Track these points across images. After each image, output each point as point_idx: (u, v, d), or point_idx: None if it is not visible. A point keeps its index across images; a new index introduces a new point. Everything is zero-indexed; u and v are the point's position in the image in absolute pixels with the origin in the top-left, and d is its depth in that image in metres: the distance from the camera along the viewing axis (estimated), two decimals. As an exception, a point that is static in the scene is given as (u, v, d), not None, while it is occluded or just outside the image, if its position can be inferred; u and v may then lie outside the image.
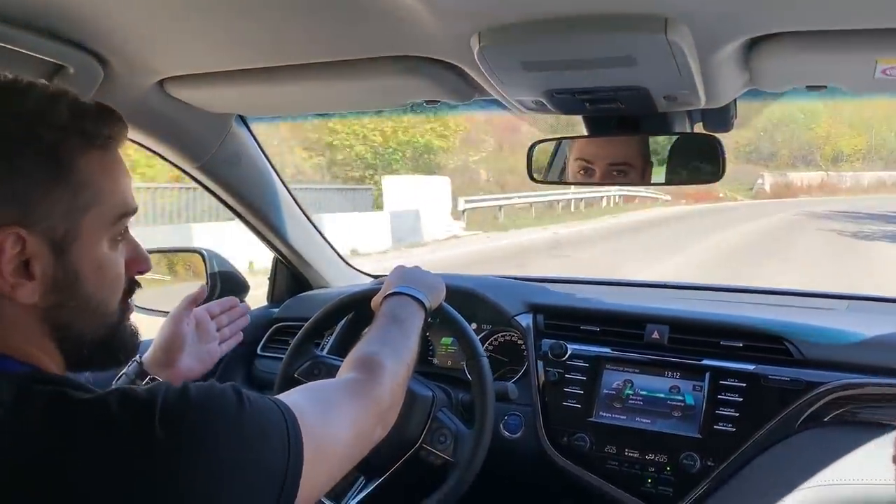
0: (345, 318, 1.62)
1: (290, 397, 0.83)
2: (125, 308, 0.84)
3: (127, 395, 0.68)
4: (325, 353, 1.68)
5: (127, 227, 0.82)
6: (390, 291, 1.26)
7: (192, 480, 0.66)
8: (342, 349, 1.78)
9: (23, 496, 0.63)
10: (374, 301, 1.29)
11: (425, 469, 1.38)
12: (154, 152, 1.51)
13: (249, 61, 1.21)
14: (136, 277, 0.86)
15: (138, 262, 0.85)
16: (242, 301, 2.01)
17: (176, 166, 1.57)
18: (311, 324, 1.55)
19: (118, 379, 1.15)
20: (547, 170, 1.48)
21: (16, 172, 0.70)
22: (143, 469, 0.64)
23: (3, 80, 0.73)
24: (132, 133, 1.39)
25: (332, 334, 1.75)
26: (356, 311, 1.55)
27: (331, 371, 1.47)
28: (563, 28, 0.95)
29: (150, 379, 1.15)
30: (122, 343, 0.83)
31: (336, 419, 0.86)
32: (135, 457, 0.65)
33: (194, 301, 1.24)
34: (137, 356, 1.15)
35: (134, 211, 0.81)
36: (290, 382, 1.50)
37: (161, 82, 1.31)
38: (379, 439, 0.98)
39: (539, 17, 0.94)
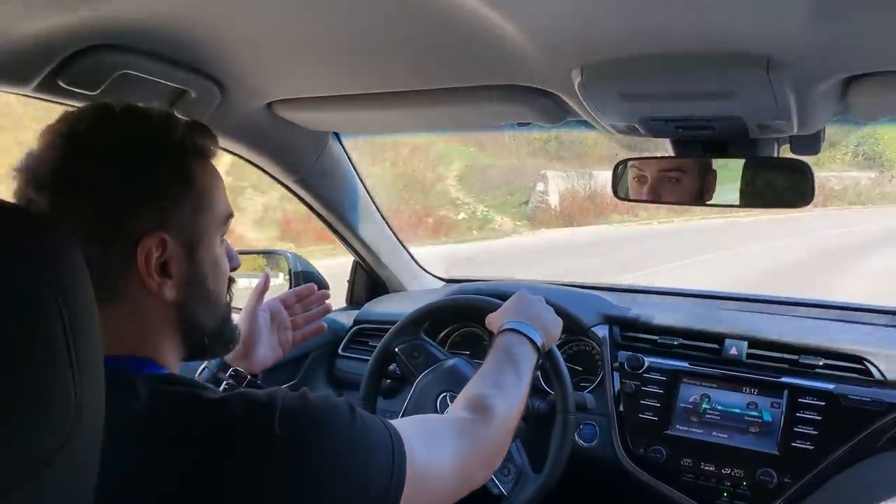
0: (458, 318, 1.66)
1: (400, 423, 0.87)
2: (230, 301, 0.93)
3: (248, 397, 0.75)
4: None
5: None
6: (509, 326, 1.25)
7: (303, 480, 0.72)
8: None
9: (152, 486, 0.69)
10: (490, 321, 1.32)
11: (482, 491, 1.42)
12: (257, 167, 1.60)
13: (354, 88, 1.28)
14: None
15: (232, 259, 0.93)
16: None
17: (276, 179, 1.66)
18: (426, 309, 1.60)
19: (201, 371, 1.21)
20: (622, 186, 1.51)
21: (156, 183, 0.79)
22: (260, 465, 0.70)
23: (126, 106, 0.82)
24: (241, 150, 1.49)
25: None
26: (471, 316, 1.60)
27: (428, 358, 1.55)
28: (664, 64, 0.98)
29: (232, 371, 1.21)
30: (231, 333, 0.92)
31: (441, 453, 0.90)
32: (253, 453, 0.71)
33: (261, 293, 1.27)
34: None
35: (233, 214, 0.90)
36: (389, 356, 1.59)
37: (269, 105, 1.40)
38: (481, 483, 0.99)
39: (641, 52, 0.98)
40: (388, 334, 1.60)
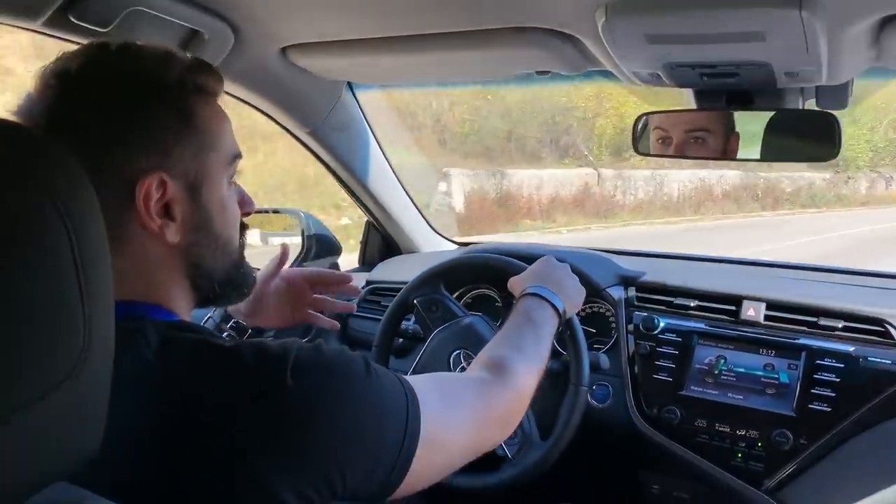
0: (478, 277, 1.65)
1: (416, 380, 0.85)
2: (243, 245, 0.90)
3: (262, 346, 0.73)
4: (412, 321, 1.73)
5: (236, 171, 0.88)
6: (531, 290, 1.24)
7: (314, 432, 0.70)
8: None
9: (165, 428, 0.68)
10: (512, 284, 1.31)
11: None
12: (270, 117, 1.58)
13: (370, 30, 1.25)
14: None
15: (245, 203, 0.90)
16: (336, 264, 2.11)
17: (288, 131, 1.64)
18: (449, 264, 1.58)
19: (206, 321, 1.21)
20: (643, 142, 1.49)
21: (153, 122, 0.76)
22: (270, 415, 0.69)
23: (122, 44, 0.79)
24: (253, 97, 1.47)
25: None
26: (492, 276, 1.57)
27: (446, 314, 1.54)
28: (691, 2, 0.95)
29: (234, 322, 1.21)
30: (244, 278, 0.90)
31: (456, 413, 0.89)
32: (265, 402, 0.69)
33: (280, 262, 1.27)
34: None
35: (241, 154, 0.87)
36: (407, 307, 1.57)
37: (284, 49, 1.37)
38: (496, 444, 0.99)
39: None
40: (407, 285, 1.58)
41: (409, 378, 0.85)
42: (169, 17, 1.14)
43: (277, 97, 1.53)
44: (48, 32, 1.10)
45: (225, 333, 1.18)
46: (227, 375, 0.71)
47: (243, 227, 0.91)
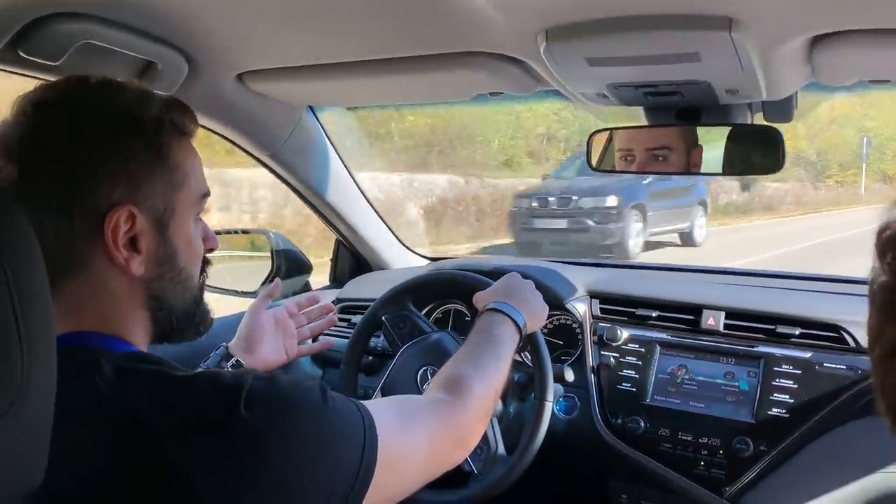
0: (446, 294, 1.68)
1: (374, 404, 0.86)
2: (203, 282, 0.93)
3: (216, 377, 0.74)
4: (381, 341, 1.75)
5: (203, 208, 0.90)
6: (493, 306, 1.25)
7: (267, 463, 0.70)
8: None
9: (121, 460, 0.69)
10: (477, 299, 1.32)
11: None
12: (231, 141, 1.59)
13: (325, 56, 1.27)
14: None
15: (209, 240, 0.93)
16: (307, 283, 2.12)
17: (250, 154, 1.65)
18: (417, 281, 1.60)
19: (206, 360, 1.24)
20: (601, 158, 1.52)
21: (127, 157, 0.79)
22: (224, 447, 0.69)
23: (102, 79, 0.82)
24: (212, 123, 1.48)
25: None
26: (459, 292, 1.60)
27: (414, 330, 1.55)
28: (628, 26, 0.98)
29: (235, 360, 1.24)
30: (202, 315, 0.91)
31: (415, 435, 0.90)
32: (219, 434, 0.70)
33: (269, 295, 1.32)
34: (224, 343, 1.26)
35: (209, 192, 0.90)
36: (376, 324, 1.59)
37: (240, 76, 1.39)
38: (454, 464, 1.00)
39: (605, 15, 0.98)
40: (375, 302, 1.60)
41: (368, 403, 0.85)
42: (121, 50, 1.15)
43: (236, 123, 1.55)
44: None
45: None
46: (181, 406, 0.71)
47: (206, 264, 0.93)
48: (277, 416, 0.73)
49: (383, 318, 1.57)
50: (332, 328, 1.96)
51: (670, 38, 0.98)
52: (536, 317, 1.34)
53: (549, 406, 1.44)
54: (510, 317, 1.23)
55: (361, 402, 0.84)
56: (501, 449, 1.44)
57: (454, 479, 1.39)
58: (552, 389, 1.45)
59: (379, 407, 0.86)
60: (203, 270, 0.92)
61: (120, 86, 0.83)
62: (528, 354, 1.50)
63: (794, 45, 1.00)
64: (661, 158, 1.43)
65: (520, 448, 1.42)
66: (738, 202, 15.64)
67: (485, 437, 1.42)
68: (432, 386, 1.06)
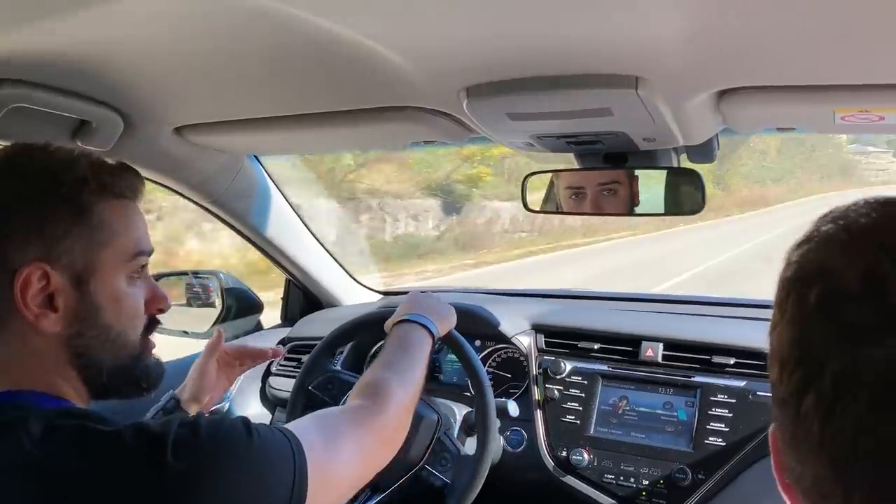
0: (358, 337, 1.70)
1: (298, 425, 0.88)
2: (147, 342, 0.93)
3: (142, 428, 0.75)
4: (338, 367, 1.78)
5: (144, 267, 0.91)
6: (400, 319, 1.32)
7: None
8: (354, 365, 1.88)
9: None
10: (387, 325, 1.36)
11: (426, 488, 1.45)
12: (172, 190, 1.60)
13: (258, 111, 1.30)
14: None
15: (157, 300, 0.93)
16: (258, 322, 2.13)
17: (192, 201, 1.66)
18: (327, 341, 1.63)
19: (156, 412, 1.24)
20: (544, 200, 1.55)
21: (42, 215, 0.80)
22: (155, 496, 0.71)
23: (35, 144, 0.85)
24: (151, 175, 1.50)
25: (342, 352, 1.86)
26: (370, 331, 1.62)
27: (343, 386, 1.56)
28: (543, 85, 1.02)
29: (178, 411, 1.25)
30: (144, 373, 0.91)
31: (342, 447, 0.91)
32: (148, 485, 0.71)
33: (214, 347, 1.32)
34: (173, 391, 1.27)
35: (150, 252, 0.91)
36: (303, 394, 1.60)
37: (177, 129, 1.40)
38: (385, 463, 1.03)
39: (520, 75, 1.02)
40: (298, 375, 1.62)
41: (291, 426, 0.87)
42: (53, 111, 1.16)
43: (176, 174, 1.56)
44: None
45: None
46: (109, 460, 0.72)
47: (153, 323, 0.93)
48: (205, 458, 0.74)
49: (310, 388, 1.60)
50: (281, 368, 1.99)
51: (583, 95, 1.02)
52: (445, 320, 1.40)
53: (489, 393, 1.47)
54: (418, 323, 1.30)
55: (285, 427, 0.86)
56: (464, 450, 1.49)
57: (434, 498, 1.44)
58: (486, 376, 1.50)
59: (303, 428, 0.88)
60: (149, 329, 0.92)
61: (52, 150, 0.85)
62: (475, 404, 1.53)
63: (700, 99, 1.05)
64: (611, 192, 1.45)
65: (478, 446, 1.45)
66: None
67: (446, 448, 1.47)
68: (352, 394, 1.10)
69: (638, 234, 16.37)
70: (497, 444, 1.49)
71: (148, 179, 1.53)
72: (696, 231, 16.51)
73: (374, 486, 1.44)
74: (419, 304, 1.39)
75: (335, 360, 1.85)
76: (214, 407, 1.50)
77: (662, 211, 1.41)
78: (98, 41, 0.97)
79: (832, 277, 0.45)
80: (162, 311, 0.94)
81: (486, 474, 1.43)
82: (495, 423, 1.47)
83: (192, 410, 1.25)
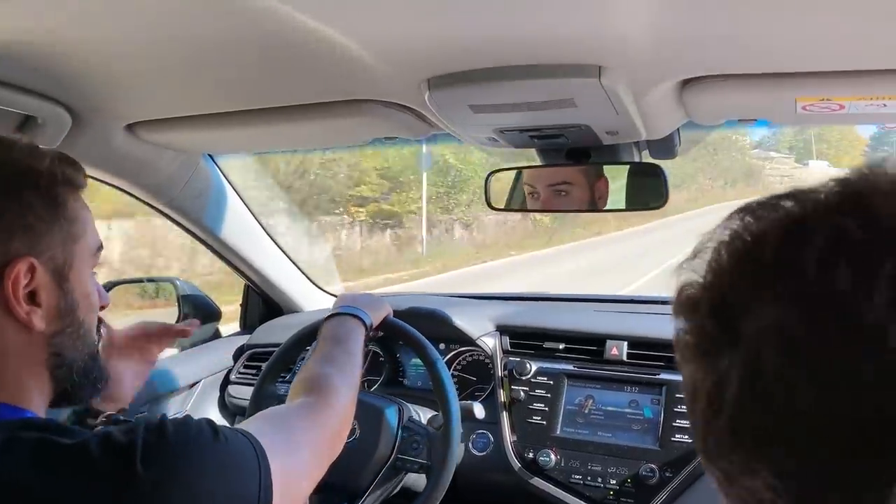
0: (308, 347, 1.67)
1: (253, 426, 0.87)
2: (99, 337, 0.91)
3: (107, 437, 0.72)
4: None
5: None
6: (329, 315, 1.32)
7: None
8: None
9: None
10: (321, 327, 1.33)
11: (408, 476, 1.45)
12: (123, 191, 1.55)
13: (213, 106, 1.26)
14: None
15: (102, 296, 0.91)
16: (216, 330, 2.07)
17: (146, 203, 1.61)
18: (285, 347, 1.59)
19: (69, 417, 1.13)
20: (508, 198, 1.54)
21: (25, 208, 0.77)
22: None
23: None
24: (102, 175, 1.45)
25: (303, 357, 1.82)
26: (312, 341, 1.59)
27: None
28: (506, 75, 1.01)
29: (103, 416, 1.13)
30: (99, 371, 0.89)
31: (298, 445, 0.91)
32: (119, 496, 0.68)
33: (111, 340, 1.19)
34: None
35: (103, 246, 0.89)
36: (263, 401, 1.55)
37: (129, 126, 1.36)
38: (334, 457, 1.02)
39: (483, 65, 1.01)
40: (257, 382, 1.58)
41: (249, 426, 0.86)
42: None
43: (128, 173, 1.51)
44: None
45: (97, 427, 1.13)
46: (75, 475, 0.69)
47: (99, 321, 0.91)
48: (175, 463, 0.72)
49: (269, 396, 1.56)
50: (240, 376, 1.94)
51: (546, 85, 1.01)
52: (377, 310, 1.40)
53: (441, 364, 1.46)
54: (348, 314, 1.31)
55: (242, 427, 0.85)
56: (432, 430, 1.48)
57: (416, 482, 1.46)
58: (433, 349, 1.48)
59: (262, 430, 0.86)
60: (98, 328, 0.90)
61: (11, 143, 0.81)
62: (431, 381, 1.50)
63: (663, 89, 1.05)
64: (563, 194, 1.46)
65: (443, 415, 1.43)
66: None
67: (414, 432, 1.47)
68: (294, 392, 1.08)
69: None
70: (458, 412, 1.46)
71: (98, 180, 1.48)
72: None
73: (351, 495, 1.40)
74: (347, 298, 1.40)
75: (295, 366, 1.81)
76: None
77: (624, 207, 1.41)
78: (41, 29, 0.93)
79: None
80: (104, 307, 0.93)
81: (459, 441, 1.41)
82: (454, 392, 1.45)
83: (107, 407, 1.16)
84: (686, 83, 1.05)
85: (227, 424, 1.76)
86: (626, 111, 1.08)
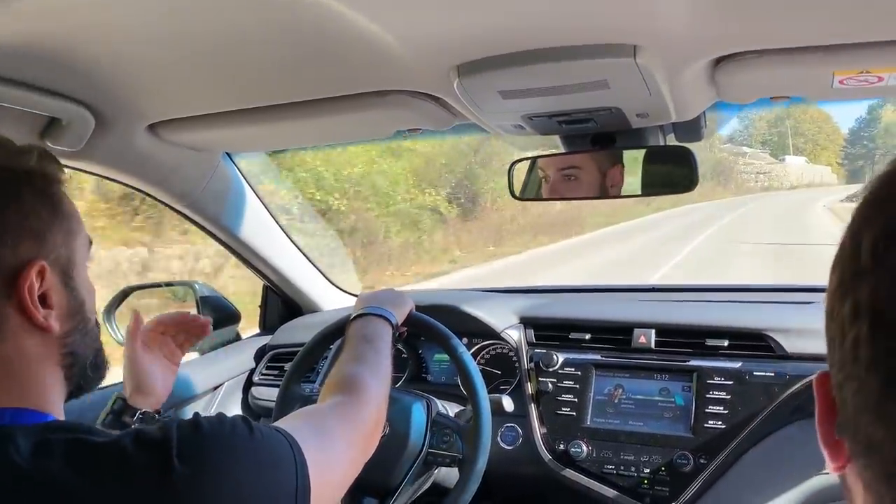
0: (332, 346, 1.65)
1: (288, 424, 0.87)
2: (98, 327, 0.90)
3: (140, 434, 0.71)
4: (319, 378, 1.73)
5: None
6: (354, 315, 1.32)
7: None
8: None
9: None
10: (347, 326, 1.33)
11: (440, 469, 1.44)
12: (144, 193, 1.54)
13: (235, 103, 1.25)
14: None
15: None
16: (236, 332, 2.06)
17: (165, 205, 1.60)
18: (300, 357, 1.59)
19: (106, 416, 1.15)
20: (523, 188, 1.53)
21: (27, 212, 0.77)
22: (164, 502, 0.67)
23: None
24: (124, 177, 1.43)
25: (326, 357, 1.80)
26: (339, 337, 1.58)
27: None
28: (537, 58, 0.99)
29: (140, 413, 1.15)
30: (102, 361, 0.89)
31: (334, 443, 0.91)
32: (156, 490, 0.68)
33: (133, 333, 1.21)
34: (117, 393, 1.18)
35: (92, 239, 0.88)
36: (289, 402, 1.55)
37: (151, 126, 1.35)
38: (368, 456, 1.02)
39: (513, 49, 0.99)
40: (282, 382, 1.57)
41: (286, 425, 0.85)
42: (20, 108, 1.10)
43: (150, 175, 1.50)
44: None
45: (134, 426, 1.12)
46: (111, 473, 0.68)
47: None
48: (211, 459, 0.72)
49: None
50: (263, 377, 1.93)
51: (579, 67, 1.00)
52: (400, 307, 1.40)
53: (466, 355, 1.45)
54: (374, 314, 1.31)
55: (278, 425, 0.84)
56: (462, 423, 1.46)
57: (448, 476, 1.45)
58: (456, 338, 1.47)
59: (296, 427, 0.86)
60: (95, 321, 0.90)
61: (3, 141, 0.80)
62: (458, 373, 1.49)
63: (697, 67, 1.03)
64: (572, 179, 1.44)
65: (472, 407, 1.42)
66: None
67: (444, 425, 1.46)
68: (326, 391, 1.08)
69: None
70: (487, 402, 1.45)
71: (120, 182, 1.47)
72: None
73: (383, 492, 1.39)
74: (369, 297, 1.40)
75: (318, 366, 1.80)
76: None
77: (655, 190, 1.40)
78: (65, 30, 0.92)
79: None
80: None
81: (490, 431, 1.41)
82: (482, 382, 1.44)
83: (142, 404, 1.17)
84: (719, 60, 1.04)
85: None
86: (659, 91, 1.06)
